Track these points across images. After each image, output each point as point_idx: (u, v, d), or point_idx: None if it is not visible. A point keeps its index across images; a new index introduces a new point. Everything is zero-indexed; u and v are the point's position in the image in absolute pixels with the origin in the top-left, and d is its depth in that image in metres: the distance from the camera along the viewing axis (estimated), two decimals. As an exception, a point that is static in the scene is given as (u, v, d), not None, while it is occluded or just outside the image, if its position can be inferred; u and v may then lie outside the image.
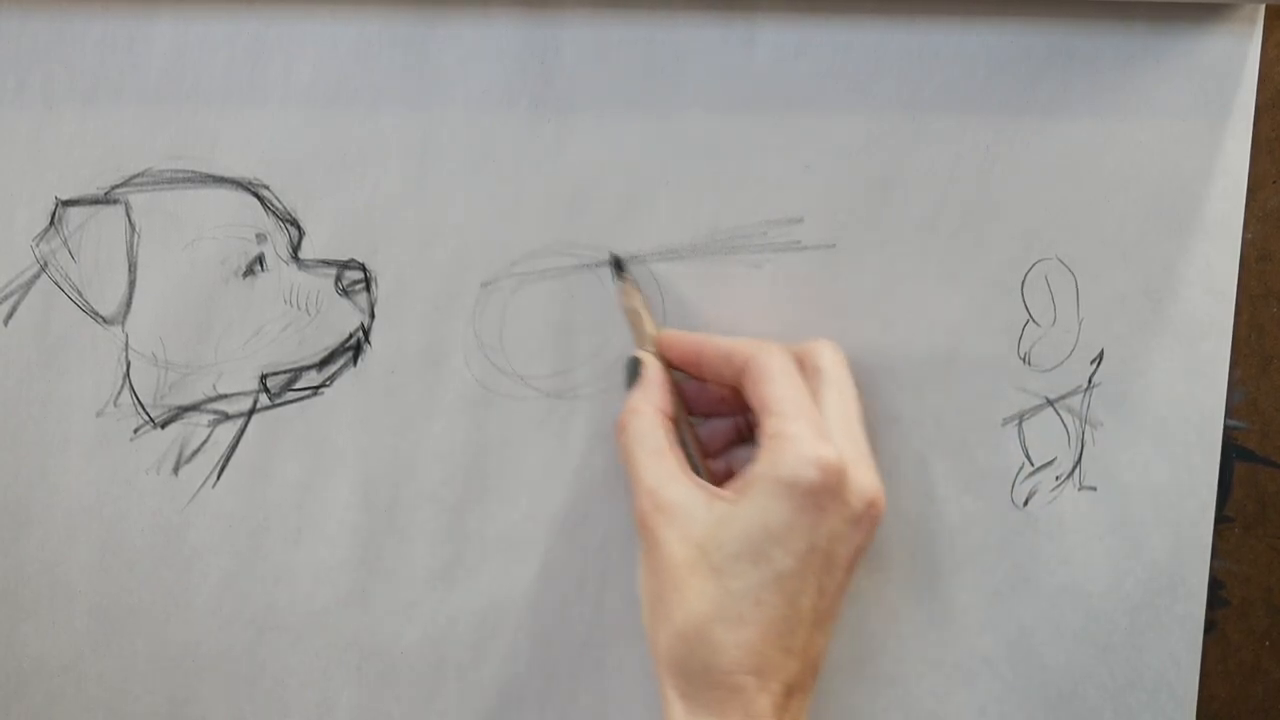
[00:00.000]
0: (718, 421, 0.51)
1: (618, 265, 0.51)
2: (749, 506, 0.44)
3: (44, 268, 0.52)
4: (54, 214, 0.52)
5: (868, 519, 0.45)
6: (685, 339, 0.50)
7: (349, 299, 0.52)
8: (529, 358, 0.53)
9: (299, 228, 0.52)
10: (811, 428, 0.44)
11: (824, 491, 0.43)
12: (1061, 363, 0.53)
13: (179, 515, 0.53)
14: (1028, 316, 0.52)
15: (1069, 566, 0.53)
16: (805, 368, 0.48)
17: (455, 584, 0.54)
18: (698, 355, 0.49)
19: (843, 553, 0.45)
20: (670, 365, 0.50)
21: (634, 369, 0.49)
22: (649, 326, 0.50)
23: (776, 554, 0.43)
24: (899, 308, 0.52)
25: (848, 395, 0.47)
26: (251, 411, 0.53)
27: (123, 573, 0.53)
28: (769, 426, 0.45)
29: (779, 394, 0.45)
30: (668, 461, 0.46)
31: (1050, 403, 0.53)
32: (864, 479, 0.45)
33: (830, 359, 0.48)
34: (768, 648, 0.43)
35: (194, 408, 0.53)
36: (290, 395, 0.53)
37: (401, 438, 0.53)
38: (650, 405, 0.48)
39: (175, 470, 0.53)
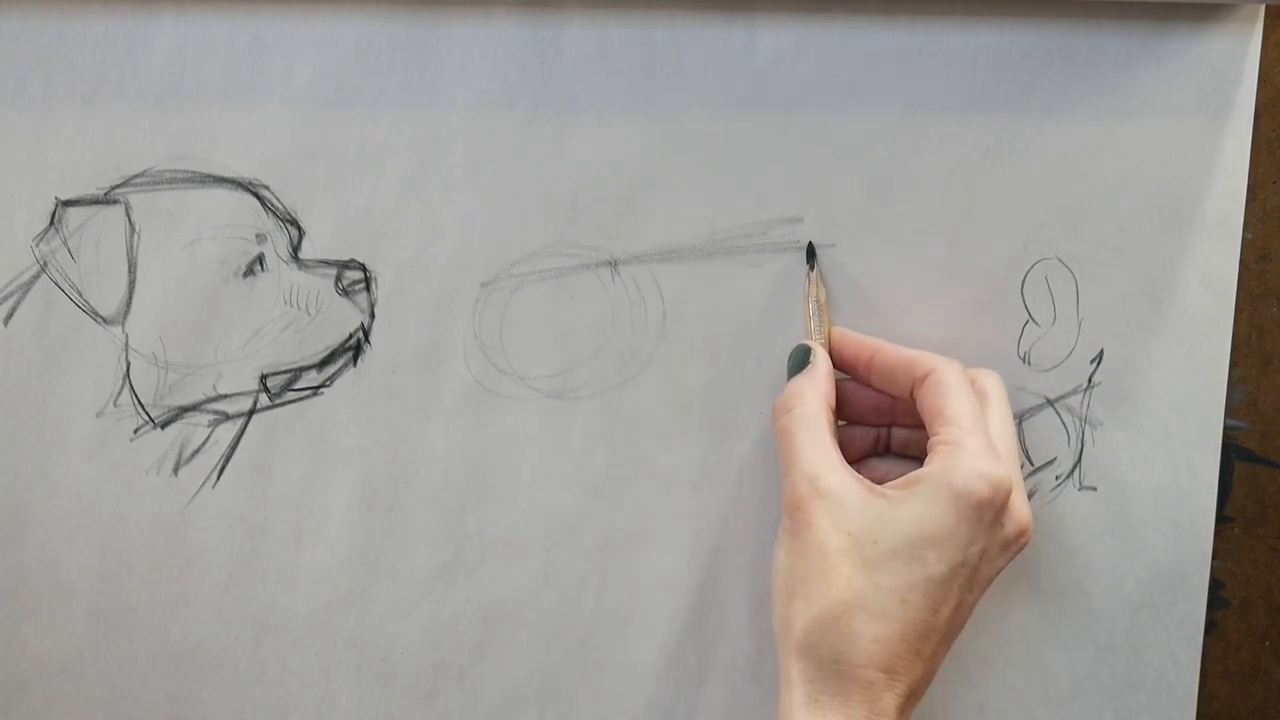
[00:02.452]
0: (858, 429, 0.52)
1: (811, 253, 0.51)
2: (912, 506, 0.44)
3: (44, 268, 0.52)
4: (54, 214, 0.52)
5: (1015, 545, 0.46)
6: (861, 340, 0.51)
7: (349, 299, 0.52)
8: (529, 358, 0.53)
9: (299, 228, 0.52)
10: (986, 444, 0.45)
11: (988, 508, 0.44)
12: (1061, 363, 0.53)
13: (179, 515, 0.53)
14: (1028, 316, 0.52)
15: (1069, 566, 0.53)
16: (973, 390, 0.49)
17: (455, 584, 0.54)
18: (870, 358, 0.50)
19: (986, 572, 0.46)
20: (836, 364, 0.50)
21: (804, 357, 0.50)
22: (827, 321, 0.51)
23: (931, 558, 0.44)
24: (899, 308, 0.52)
25: (1010, 424, 0.48)
26: (251, 411, 0.53)
27: (123, 573, 0.53)
28: (945, 434, 0.46)
29: (958, 407, 0.46)
30: (829, 449, 0.47)
31: (1050, 403, 0.53)
32: (1021, 506, 0.46)
33: (996, 385, 0.49)
34: (903, 648, 0.44)
35: (194, 408, 0.53)
36: (290, 395, 0.53)
37: (401, 438, 0.53)
38: (817, 393, 0.48)
39: (175, 470, 0.53)
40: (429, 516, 0.53)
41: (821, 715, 0.44)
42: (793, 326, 0.52)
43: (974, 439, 0.45)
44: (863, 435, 0.52)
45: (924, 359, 0.48)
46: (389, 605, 0.54)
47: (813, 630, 0.44)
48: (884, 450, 0.52)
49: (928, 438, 0.48)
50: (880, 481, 0.46)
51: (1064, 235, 0.52)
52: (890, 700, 0.44)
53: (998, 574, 0.46)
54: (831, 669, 0.44)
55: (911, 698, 0.45)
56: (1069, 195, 0.52)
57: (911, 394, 0.49)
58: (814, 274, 0.51)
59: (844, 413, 0.51)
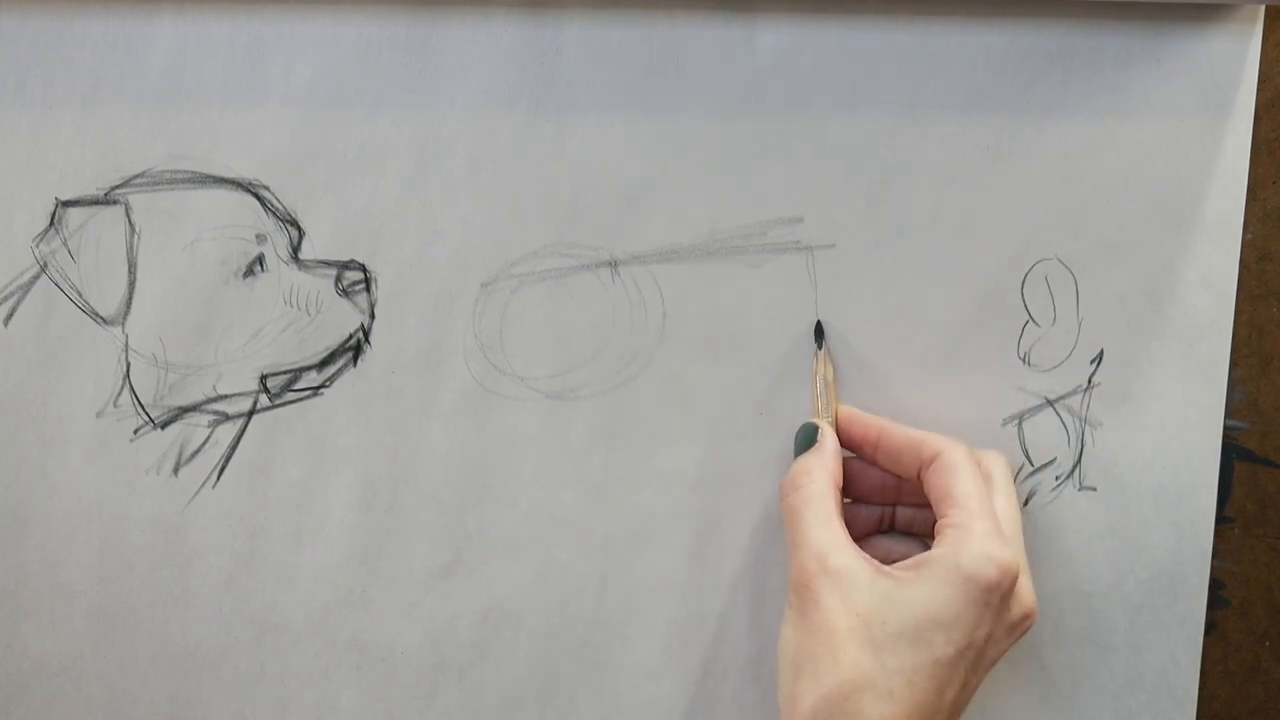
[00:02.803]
0: (863, 508, 0.52)
1: (819, 332, 0.52)
2: (920, 588, 0.45)
3: (44, 268, 0.52)
4: (54, 214, 0.52)
5: (1020, 628, 0.47)
6: (869, 420, 0.51)
7: (349, 299, 0.52)
8: (529, 358, 0.53)
9: (299, 228, 0.52)
10: (994, 527, 0.46)
11: (996, 592, 0.45)
12: (1061, 363, 0.53)
13: (179, 515, 0.53)
14: (1028, 316, 0.52)
15: (1069, 566, 0.53)
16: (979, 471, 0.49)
17: (455, 584, 0.54)
18: (877, 438, 0.50)
19: (991, 655, 0.46)
20: (842, 442, 0.51)
21: (811, 435, 0.50)
22: (834, 399, 0.52)
23: (938, 640, 0.44)
24: (899, 308, 0.52)
25: (1015, 506, 0.49)
26: (251, 412, 0.53)
27: (123, 573, 0.53)
28: (953, 517, 0.46)
29: (966, 489, 0.47)
30: (837, 528, 0.47)
31: (1050, 403, 0.53)
32: (1027, 590, 0.47)
33: (1001, 467, 0.50)
34: None
35: (194, 408, 0.53)
36: (290, 396, 0.53)
37: (401, 438, 0.53)
38: (825, 472, 0.49)
39: (175, 471, 0.53)
40: (429, 516, 0.53)
41: None
42: (793, 326, 0.52)
43: (982, 522, 0.46)
44: (867, 514, 0.52)
45: (931, 440, 0.49)
46: (389, 605, 0.54)
47: (820, 709, 0.44)
48: (888, 528, 0.52)
49: (932, 517, 0.48)
50: (885, 560, 0.47)
51: (1064, 235, 0.52)
52: None
53: (1001, 656, 0.47)
54: None
55: None
56: (1069, 195, 0.52)
57: (918, 475, 0.49)
58: (822, 352, 0.52)
59: (849, 491, 0.51)
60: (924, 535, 0.52)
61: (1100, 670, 0.54)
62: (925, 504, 0.49)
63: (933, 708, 0.44)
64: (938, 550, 0.46)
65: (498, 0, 0.51)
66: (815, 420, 0.51)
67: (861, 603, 0.45)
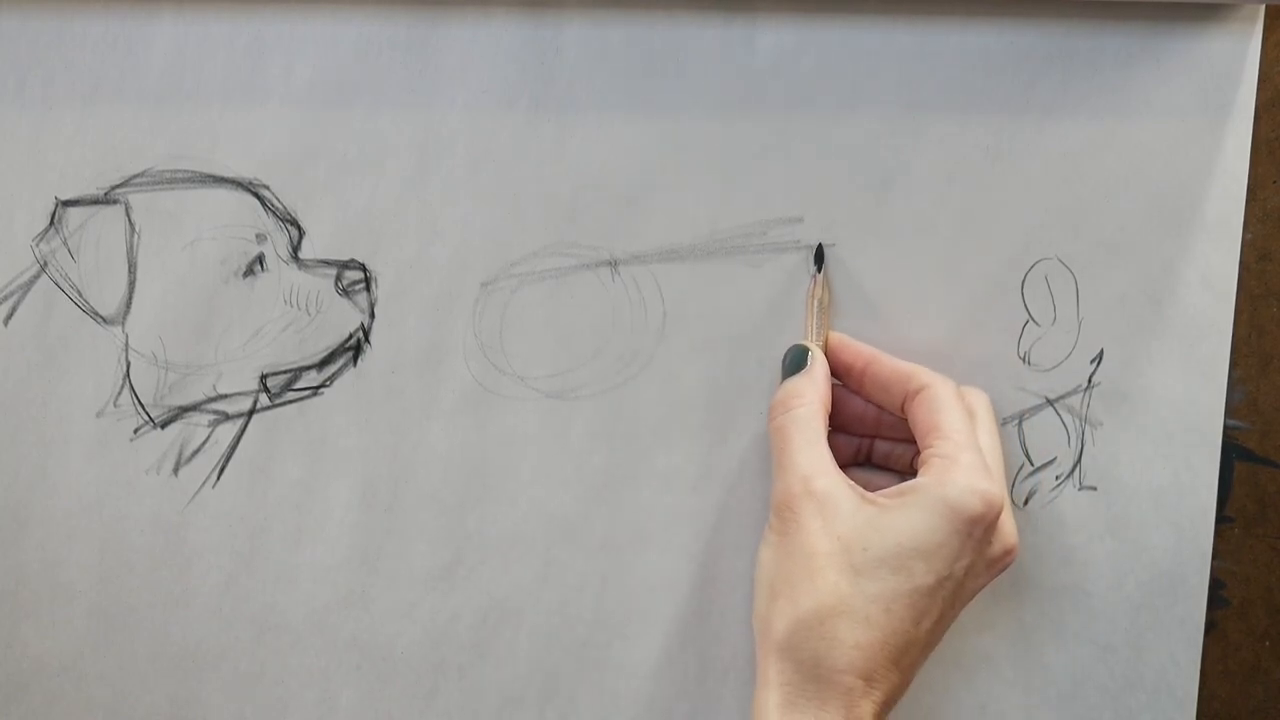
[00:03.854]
0: (841, 437, 0.52)
1: (819, 256, 0.51)
2: (903, 516, 0.45)
3: (44, 268, 0.52)
4: (54, 214, 0.52)
5: (1000, 564, 0.47)
6: (859, 347, 0.51)
7: (349, 299, 0.52)
8: (529, 358, 0.53)
9: (299, 228, 0.52)
10: (980, 460, 0.46)
11: (979, 524, 0.45)
12: (1061, 363, 0.53)
13: (179, 515, 0.53)
14: (1028, 316, 0.52)
15: (1069, 566, 0.53)
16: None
17: (455, 584, 0.54)
18: (865, 367, 0.50)
19: (970, 587, 0.46)
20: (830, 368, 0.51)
21: (801, 358, 0.50)
22: (827, 324, 0.51)
23: (919, 569, 0.44)
24: (899, 308, 0.52)
25: (998, 443, 0.49)
26: (251, 411, 0.53)
27: (123, 573, 0.53)
28: (939, 448, 0.46)
29: (953, 422, 0.47)
30: (823, 452, 0.47)
31: (1050, 403, 0.53)
32: (1009, 525, 0.47)
33: (985, 404, 0.50)
34: (883, 657, 0.44)
35: (194, 408, 0.53)
36: (290, 395, 0.53)
37: (401, 438, 0.53)
38: (815, 395, 0.49)
39: (175, 470, 0.53)
40: (429, 516, 0.53)
41: (797, 718, 0.44)
42: (793, 326, 0.52)
43: (968, 454, 0.46)
44: (845, 443, 0.52)
45: (919, 373, 0.49)
46: (389, 605, 0.54)
47: (795, 632, 0.44)
48: (865, 461, 0.52)
49: (910, 452, 0.48)
50: None
51: (1064, 235, 0.52)
52: (867, 707, 0.44)
53: (979, 590, 0.47)
54: (811, 672, 0.44)
55: (886, 706, 0.45)
56: (1069, 195, 0.52)
57: (903, 407, 0.49)
58: (820, 276, 0.51)
59: (831, 420, 0.51)
60: (900, 470, 0.52)
61: (1100, 670, 0.54)
62: (904, 438, 0.49)
63: (909, 636, 0.44)
64: (923, 479, 0.45)
65: (498, 0, 0.51)
66: (806, 343, 0.51)
67: (844, 527, 0.45)
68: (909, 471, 0.49)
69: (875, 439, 0.52)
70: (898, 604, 0.44)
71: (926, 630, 0.45)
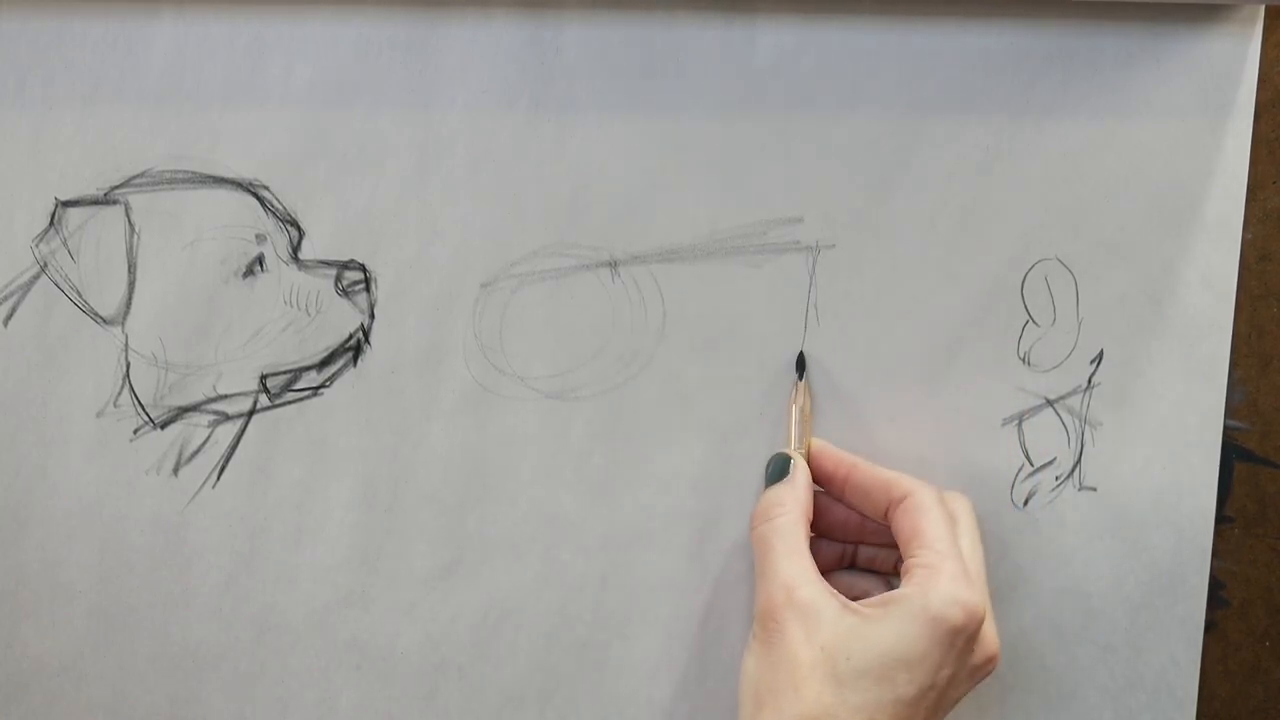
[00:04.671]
0: (825, 543, 0.52)
1: (801, 364, 0.52)
2: (887, 627, 0.45)
3: (44, 268, 0.52)
4: (54, 214, 0.52)
5: (982, 672, 0.47)
6: (840, 456, 0.51)
7: (349, 299, 0.52)
8: (529, 358, 0.53)
9: (299, 228, 0.52)
10: (962, 570, 0.46)
11: (961, 634, 0.45)
12: (1061, 363, 0.53)
13: (179, 516, 0.53)
14: (1027, 316, 0.52)
15: (1069, 566, 0.53)
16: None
17: (455, 584, 0.54)
18: (848, 474, 0.50)
19: (952, 696, 0.46)
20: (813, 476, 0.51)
21: (784, 466, 0.50)
22: (808, 431, 0.52)
23: (902, 679, 0.44)
24: (899, 308, 0.52)
25: (979, 549, 0.49)
26: (251, 412, 0.53)
27: (123, 573, 0.53)
28: (922, 558, 0.46)
29: (936, 530, 0.47)
30: (806, 561, 0.47)
31: (1050, 403, 0.53)
32: (991, 634, 0.47)
33: (965, 509, 0.50)
34: None
35: (194, 408, 0.53)
36: (290, 395, 0.53)
37: (401, 438, 0.53)
38: (797, 504, 0.49)
39: (175, 471, 0.53)
40: (429, 516, 0.53)
41: None
42: (793, 326, 0.52)
43: (950, 563, 0.46)
44: (829, 549, 0.52)
45: (901, 481, 0.49)
46: (389, 605, 0.54)
47: None
48: (849, 565, 0.53)
49: (894, 556, 0.48)
50: (845, 596, 0.47)
51: (1064, 235, 0.52)
52: None
53: (961, 698, 0.47)
54: None
55: None
56: (1069, 195, 0.52)
57: (885, 514, 0.49)
58: (802, 384, 0.52)
59: (814, 526, 0.51)
60: (885, 573, 0.52)
61: (1100, 670, 0.54)
62: (887, 543, 0.50)
63: None
64: (906, 589, 0.46)
65: (498, 0, 0.51)
66: (788, 451, 0.51)
67: (827, 637, 0.45)
68: (894, 575, 0.49)
69: (859, 544, 0.52)
70: (881, 714, 0.44)
71: None
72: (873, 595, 0.47)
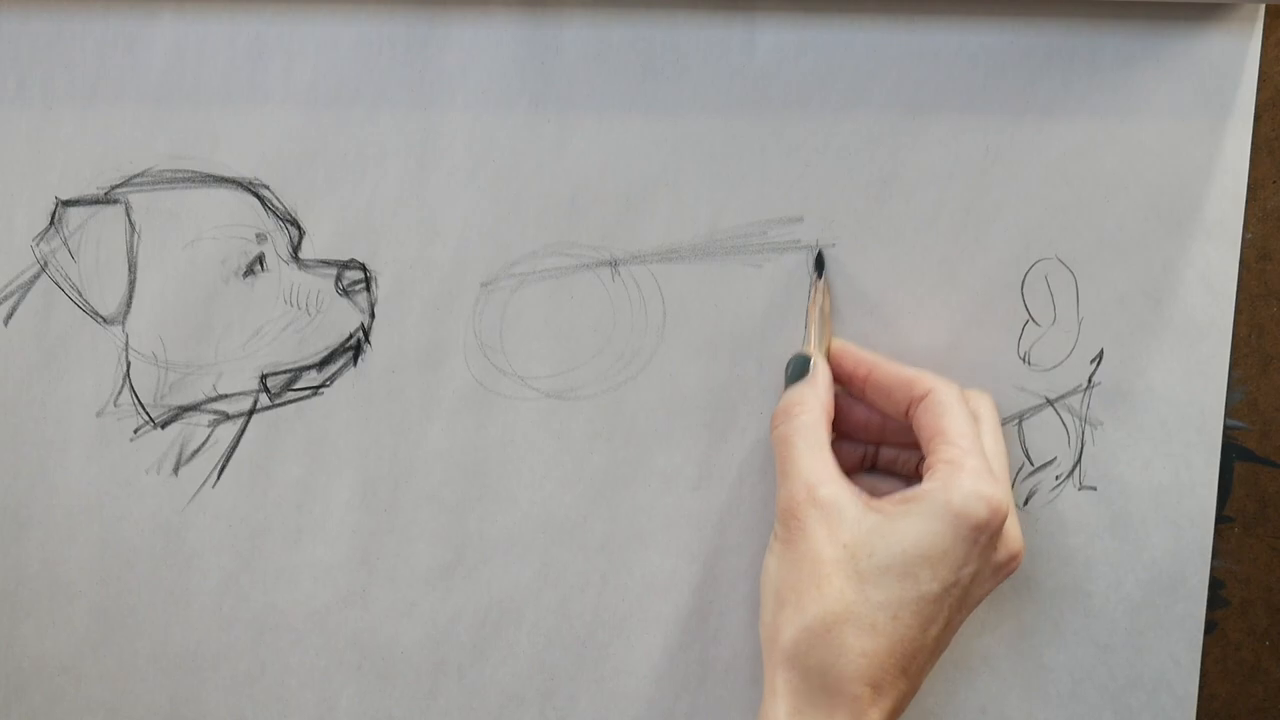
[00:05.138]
0: (846, 444, 0.52)
1: (819, 263, 0.51)
2: (910, 523, 0.44)
3: (44, 268, 0.52)
4: (54, 214, 0.52)
5: (1006, 569, 0.47)
6: (861, 354, 0.50)
7: (349, 299, 0.52)
8: (529, 358, 0.53)
9: (299, 228, 0.52)
10: (985, 466, 0.45)
11: (985, 530, 0.44)
12: (1061, 363, 0.53)
13: (179, 515, 0.53)
14: (1027, 316, 0.52)
15: (1069, 566, 0.53)
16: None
17: (455, 584, 0.54)
18: (868, 373, 0.50)
19: (976, 593, 0.46)
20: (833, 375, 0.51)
21: (804, 366, 0.50)
22: (829, 331, 0.51)
23: (925, 575, 0.44)
24: (899, 307, 0.52)
25: (1003, 446, 0.49)
26: (251, 411, 0.53)
27: (123, 573, 0.53)
28: (944, 453, 0.46)
29: (958, 427, 0.46)
30: (828, 459, 0.47)
31: (1050, 402, 0.53)
32: (1014, 531, 0.46)
33: (989, 407, 0.49)
34: (890, 664, 0.44)
35: (194, 408, 0.53)
36: (290, 395, 0.53)
37: (401, 438, 0.53)
38: (818, 402, 0.48)
39: (175, 470, 0.53)
40: (429, 516, 0.53)
41: None
42: (793, 326, 0.52)
43: (973, 459, 0.45)
44: (850, 450, 0.52)
45: (923, 378, 0.48)
46: (389, 605, 0.54)
47: (801, 640, 0.44)
48: (870, 467, 0.52)
49: (915, 457, 0.48)
50: None
51: (1064, 235, 0.52)
52: (875, 716, 0.44)
53: (986, 595, 0.47)
54: (818, 681, 0.44)
55: (894, 714, 0.45)
56: (1069, 195, 0.52)
57: (907, 413, 0.49)
58: (821, 283, 0.51)
59: (835, 427, 0.51)
60: (906, 475, 0.51)
61: (1100, 670, 0.54)
62: (909, 444, 0.49)
63: (916, 643, 0.44)
64: (928, 485, 0.45)
65: (498, 0, 0.51)
66: (808, 350, 0.51)
67: (849, 534, 0.45)
68: (915, 477, 0.48)
69: (880, 445, 0.52)
70: (904, 611, 0.44)
71: (934, 637, 0.45)
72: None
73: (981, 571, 0.45)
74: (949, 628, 0.45)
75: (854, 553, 0.44)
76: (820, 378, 0.49)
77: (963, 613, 0.46)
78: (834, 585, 0.44)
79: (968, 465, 0.45)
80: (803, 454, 0.47)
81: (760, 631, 0.47)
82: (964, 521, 0.44)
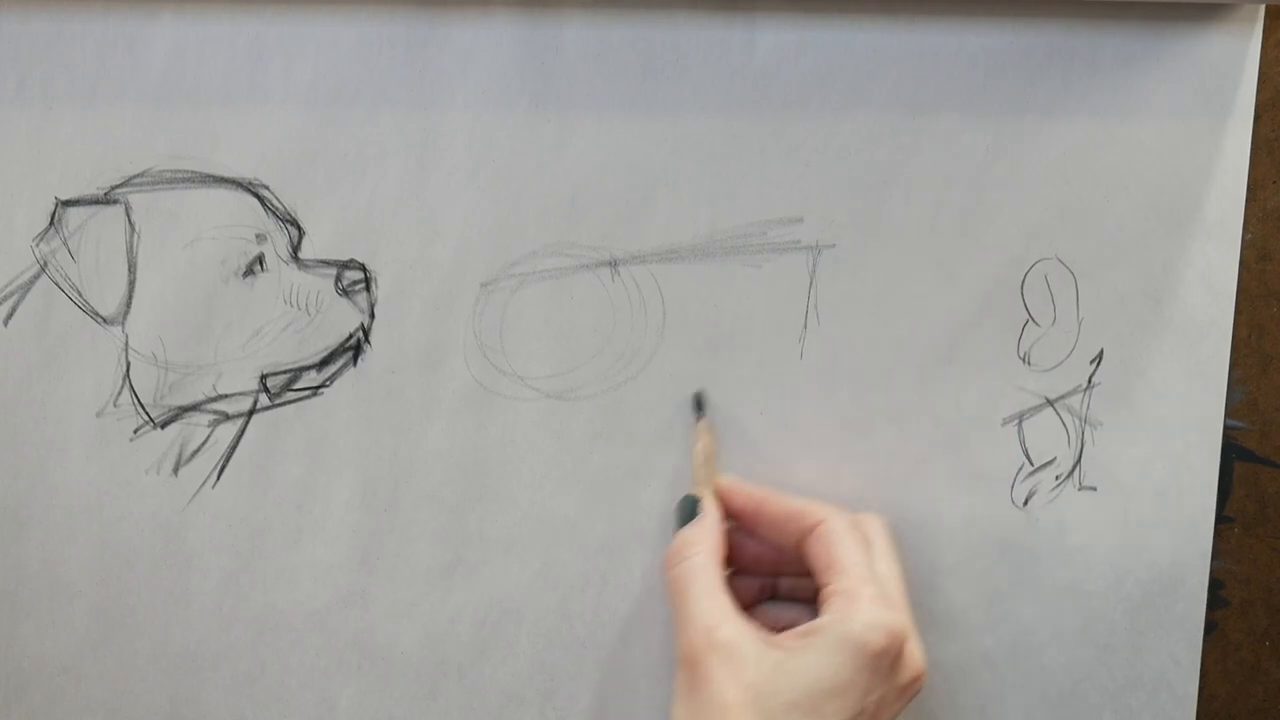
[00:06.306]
0: (744, 578, 0.52)
1: (699, 404, 0.52)
2: (811, 658, 0.44)
3: (44, 268, 0.52)
4: (54, 214, 0.52)
5: (910, 691, 0.46)
6: (749, 491, 0.51)
7: (349, 299, 0.52)
8: (529, 358, 0.53)
9: (299, 228, 0.52)
10: (880, 592, 0.46)
11: (885, 657, 0.44)
12: (1061, 363, 0.53)
13: (179, 515, 0.53)
14: (1027, 316, 0.52)
15: (1069, 566, 0.53)
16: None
17: (455, 584, 0.54)
18: (758, 509, 0.50)
19: (883, 717, 0.46)
20: (724, 513, 0.51)
21: (691, 508, 0.50)
22: (714, 470, 0.52)
23: (830, 709, 0.44)
24: (899, 308, 0.52)
25: (896, 568, 0.48)
26: (251, 411, 0.53)
27: (123, 573, 0.53)
28: (838, 584, 0.46)
29: (851, 556, 0.47)
30: (723, 600, 0.47)
31: (1050, 403, 0.53)
32: (916, 653, 0.46)
33: (881, 531, 0.50)
34: None
35: (194, 408, 0.53)
36: (290, 395, 0.53)
37: (401, 438, 0.53)
38: (709, 543, 0.48)
39: (175, 470, 0.53)
40: (429, 516, 0.53)
41: None
42: (793, 326, 0.52)
43: (867, 588, 0.45)
44: (749, 584, 0.52)
45: (811, 510, 0.49)
46: (389, 605, 0.54)
47: None
48: (770, 597, 0.52)
49: (815, 585, 0.48)
50: (770, 628, 0.46)
51: (1064, 235, 0.52)
52: None
53: (894, 717, 0.46)
54: None
55: None
56: (1069, 195, 0.52)
57: (799, 544, 0.49)
58: (703, 423, 0.52)
59: (732, 562, 0.51)
60: (807, 601, 0.51)
61: (1100, 670, 0.54)
62: (807, 572, 0.49)
63: None
64: (826, 618, 0.45)
65: (498, 0, 0.51)
66: (696, 491, 0.51)
67: (752, 675, 0.44)
68: (815, 602, 0.49)
69: (779, 576, 0.52)
70: None
71: None
72: (799, 624, 0.46)
73: (886, 696, 0.45)
74: None
75: (758, 692, 0.44)
76: (709, 517, 0.50)
77: None
78: None
79: (863, 594, 0.45)
80: (698, 596, 0.47)
81: None
82: (864, 651, 0.44)
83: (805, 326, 0.52)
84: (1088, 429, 0.53)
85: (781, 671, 0.44)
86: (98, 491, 0.53)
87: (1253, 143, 0.51)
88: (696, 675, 0.45)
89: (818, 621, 0.45)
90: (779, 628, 0.47)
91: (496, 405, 0.53)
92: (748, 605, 0.51)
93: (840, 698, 0.44)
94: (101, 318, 0.52)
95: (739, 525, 0.51)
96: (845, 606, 0.45)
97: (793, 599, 0.52)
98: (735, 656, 0.45)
